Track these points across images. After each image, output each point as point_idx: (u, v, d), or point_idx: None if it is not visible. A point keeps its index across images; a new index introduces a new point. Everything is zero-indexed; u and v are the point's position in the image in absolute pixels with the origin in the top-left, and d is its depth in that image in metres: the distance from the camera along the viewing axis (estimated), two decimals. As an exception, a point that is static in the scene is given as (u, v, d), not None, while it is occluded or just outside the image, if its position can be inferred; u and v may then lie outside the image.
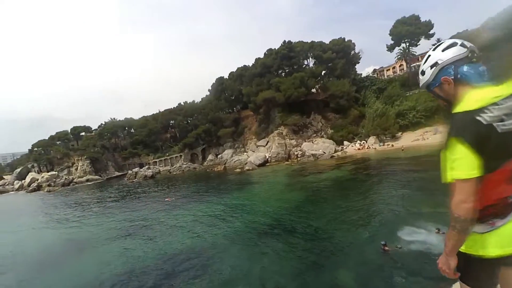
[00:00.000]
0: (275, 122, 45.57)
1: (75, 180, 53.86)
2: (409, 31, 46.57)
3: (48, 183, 51.15)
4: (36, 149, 67.20)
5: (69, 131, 71.19)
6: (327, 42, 50.21)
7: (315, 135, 44.25)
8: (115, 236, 15.18)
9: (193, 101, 64.32)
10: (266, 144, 44.40)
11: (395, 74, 56.70)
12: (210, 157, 53.20)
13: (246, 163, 39.83)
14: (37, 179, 53.13)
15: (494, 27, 33.92)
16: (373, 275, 8.10)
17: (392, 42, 49.78)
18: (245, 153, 46.82)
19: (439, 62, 1.39)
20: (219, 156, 51.31)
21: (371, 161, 29.14)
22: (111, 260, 11.64)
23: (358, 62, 52.76)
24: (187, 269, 9.87)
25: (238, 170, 38.61)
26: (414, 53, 51.87)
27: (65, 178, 54.00)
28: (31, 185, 51.39)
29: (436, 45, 1.45)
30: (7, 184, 58.61)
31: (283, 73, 51.13)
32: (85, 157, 57.83)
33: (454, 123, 1.24)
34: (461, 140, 1.19)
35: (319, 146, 38.94)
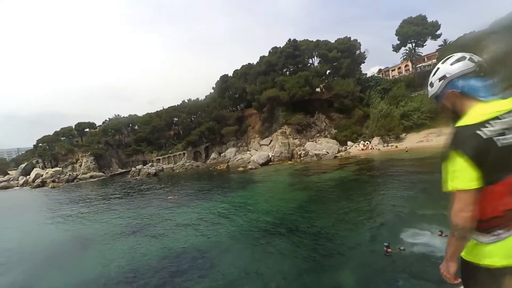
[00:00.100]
0: (279, 121, 45.50)
1: (79, 177, 54.32)
2: (416, 32, 46.08)
3: (52, 179, 51.59)
4: (40, 144, 67.91)
5: (74, 127, 71.85)
6: (332, 41, 49.95)
7: (318, 134, 44.12)
8: (119, 233, 15.28)
9: (197, 98, 64.39)
10: (270, 143, 44.37)
11: (400, 75, 56.33)
12: (213, 155, 53.33)
13: (249, 162, 39.85)
14: (42, 175, 53.63)
15: (501, 29, 33.55)
16: (376, 277, 8.06)
17: (398, 42, 49.27)
18: (248, 152, 46.84)
19: (447, 75, 1.42)
20: (222, 155, 51.39)
21: (375, 162, 29.00)
22: (115, 257, 11.73)
23: (364, 62, 52.44)
24: (191, 267, 9.91)
25: (241, 168, 38.65)
26: (420, 53, 51.40)
27: (69, 174, 54.48)
28: (36, 181, 51.89)
29: (445, 58, 1.47)
30: (12, 180, 59.26)
31: (287, 72, 50.97)
32: (89, 153, 58.31)
33: (455, 136, 1.28)
34: (460, 153, 1.23)
35: (322, 146, 38.81)
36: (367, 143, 38.15)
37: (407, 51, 50.57)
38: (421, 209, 12.18)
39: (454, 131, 1.29)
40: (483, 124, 1.23)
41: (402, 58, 53.62)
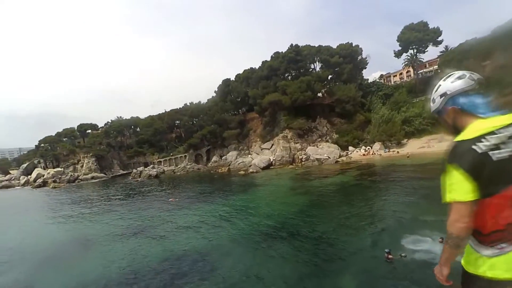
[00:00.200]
0: (280, 125, 45.62)
1: (80, 177, 54.47)
2: (417, 38, 46.38)
3: (53, 179, 51.75)
4: (42, 145, 68.23)
5: (76, 128, 72.16)
6: (334, 46, 50.36)
7: (320, 139, 44.17)
8: (120, 234, 15.31)
9: (199, 102, 64.81)
10: (271, 147, 44.44)
11: (402, 80, 56.57)
12: (214, 158, 53.43)
13: (250, 165, 39.90)
14: (43, 175, 53.83)
15: (502, 36, 33.72)
16: (377, 283, 8.07)
17: (400, 48, 49.59)
18: (249, 156, 46.91)
19: (448, 92, 1.50)
20: (223, 158, 51.49)
21: (376, 167, 29.00)
22: (116, 258, 11.76)
23: (365, 67, 52.84)
24: (191, 270, 9.93)
25: (242, 172, 38.67)
26: (422, 59, 51.68)
27: (71, 175, 54.63)
28: (37, 181, 52.07)
29: (446, 76, 1.54)
30: (13, 179, 59.47)
31: (289, 77, 51.23)
32: (90, 154, 58.49)
33: (452, 150, 1.35)
34: (457, 166, 1.29)
35: (323, 151, 38.84)
36: (369, 148, 38.18)
37: (408, 57, 50.84)
38: (423, 215, 12.18)
39: (451, 145, 1.37)
40: (478, 139, 1.29)
41: (403, 64, 53.88)
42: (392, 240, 10.25)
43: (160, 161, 59.35)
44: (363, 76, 53.51)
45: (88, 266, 11.38)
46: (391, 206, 14.66)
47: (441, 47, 49.41)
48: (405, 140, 37.14)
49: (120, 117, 72.87)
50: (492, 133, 1.29)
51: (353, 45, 50.17)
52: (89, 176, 54.78)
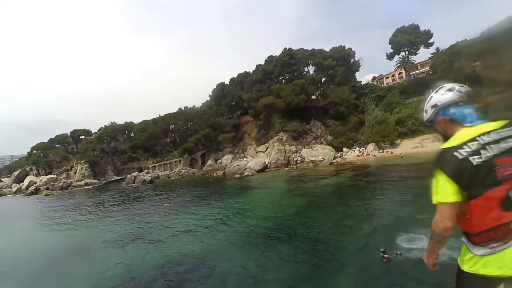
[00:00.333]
0: (275, 128, 45.76)
1: (73, 184, 53.76)
2: (409, 40, 47.17)
3: (46, 186, 50.96)
4: (35, 151, 67.31)
5: (69, 134, 71.45)
6: (327, 49, 50.86)
7: (314, 141, 44.40)
8: (115, 241, 15.13)
9: (194, 106, 64.72)
10: (266, 150, 44.50)
11: (394, 82, 57.33)
12: (209, 162, 53.27)
13: (246, 168, 39.85)
14: (35, 182, 52.99)
15: (491, 37, 34.50)
16: (373, 283, 8.09)
17: (392, 50, 50.35)
18: (244, 159, 46.87)
19: (438, 104, 1.61)
20: (218, 161, 51.35)
21: (371, 167, 29.23)
22: (112, 266, 11.58)
23: (358, 70, 53.30)
24: (190, 275, 9.85)
25: (237, 175, 38.60)
26: (413, 61, 52.52)
27: (64, 182, 53.89)
28: (29, 188, 51.20)
29: (437, 88, 1.65)
30: (5, 187, 58.36)
31: (283, 80, 51.56)
32: (84, 160, 57.80)
33: (438, 157, 1.45)
34: (440, 171, 1.40)
35: (318, 153, 39.04)
36: (363, 149, 38.47)
37: (400, 59, 51.62)
38: (417, 214, 12.28)
39: (438, 152, 1.47)
40: (461, 146, 1.39)
41: (395, 66, 54.68)
42: (387, 239, 10.31)
43: (155, 166, 58.95)
44: (356, 79, 54.07)
45: (83, 274, 11.20)
46: (386, 206, 14.78)
47: (432, 49, 50.38)
48: (399, 140, 37.55)
49: (114, 122, 72.35)
50: (473, 139, 1.39)
51: (346, 48, 50.76)
52: (83, 182, 54.08)
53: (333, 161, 36.59)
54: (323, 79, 50.77)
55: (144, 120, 71.00)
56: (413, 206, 13.65)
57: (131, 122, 71.41)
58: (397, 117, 38.53)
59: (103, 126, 72.59)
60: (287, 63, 49.66)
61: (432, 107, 1.65)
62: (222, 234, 13.83)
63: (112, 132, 68.17)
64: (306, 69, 53.01)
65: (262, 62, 53.57)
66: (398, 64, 53.30)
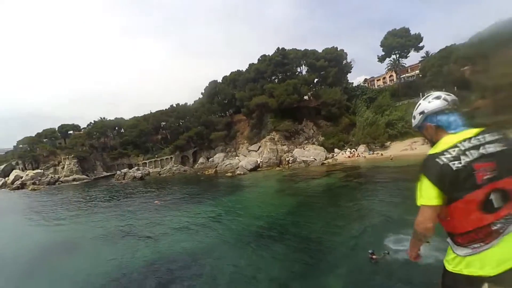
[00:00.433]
0: (268, 127, 45.86)
1: (61, 179, 52.67)
2: (400, 43, 47.97)
3: (32, 181, 49.84)
4: (21, 146, 65.49)
5: (57, 129, 69.79)
6: (320, 50, 51.15)
7: (306, 141, 44.71)
8: (104, 238, 14.97)
9: (186, 103, 64.08)
10: (258, 149, 44.57)
11: (385, 84, 58.09)
12: (201, 160, 53.01)
13: (238, 167, 39.85)
14: (21, 177, 51.75)
15: (480, 42, 35.36)
16: (362, 283, 8.28)
17: (383, 53, 51.12)
18: (236, 157, 46.84)
19: (425, 111, 1.71)
20: (210, 160, 51.15)
21: (361, 169, 29.67)
22: (100, 262, 11.48)
23: (350, 72, 53.81)
24: (180, 273, 9.85)
25: (229, 174, 38.58)
26: (404, 64, 53.43)
27: (51, 177, 52.78)
28: (15, 183, 49.99)
29: (425, 96, 1.76)
30: (-11, 182, 56.71)
31: (276, 79, 51.67)
32: (72, 156, 56.63)
33: (423, 163, 1.55)
34: (424, 177, 1.50)
35: (310, 153, 39.35)
36: (354, 151, 38.94)
37: (391, 62, 52.47)
38: (406, 215, 12.55)
39: (423, 158, 1.57)
40: (442, 152, 1.49)
41: (386, 69, 55.56)
42: (376, 239, 10.54)
43: (145, 163, 58.28)
44: (348, 80, 54.63)
45: (72, 270, 11.07)
46: (375, 207, 15.08)
47: (422, 53, 51.43)
48: (389, 142, 38.14)
49: (104, 118, 71.09)
50: (455, 146, 1.49)
51: (338, 49, 51.17)
52: (71, 178, 53.04)
53: (324, 161, 36.97)
54: (316, 79, 51.14)
55: (135, 117, 70.02)
56: (402, 207, 13.96)
57: (122, 118, 70.30)
58: (387, 119, 39.14)
59: (93, 122, 71.30)
60: (280, 62, 49.80)
61: (420, 113, 1.74)
62: (214, 232, 13.87)
63: (102, 128, 66.99)
64: (298, 69, 53.29)
65: (255, 61, 53.68)
66: (389, 67, 54.16)
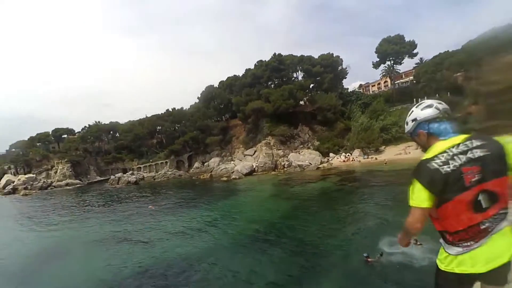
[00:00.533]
0: (263, 132, 45.95)
1: (53, 184, 51.99)
2: (394, 50, 48.65)
3: (24, 186, 49.03)
4: (13, 149, 64.65)
5: (51, 132, 69.03)
6: (316, 56, 51.63)
7: (302, 146, 44.84)
8: (97, 243, 14.79)
9: (182, 108, 63.88)
10: (254, 154, 44.55)
11: (380, 90, 58.68)
12: (196, 164, 52.75)
13: (233, 171, 39.75)
14: (13, 182, 50.87)
15: (473, 49, 36.07)
16: (357, 286, 8.29)
17: (378, 59, 51.75)
18: (232, 162, 46.73)
19: (418, 118, 1.77)
20: (205, 164, 50.95)
21: (356, 173, 29.81)
22: (94, 268, 11.31)
23: (345, 77, 54.29)
24: (175, 278, 9.77)
25: (224, 178, 38.46)
26: (398, 70, 54.12)
27: (43, 182, 52.05)
28: (6, 188, 49.15)
29: (418, 104, 1.83)
30: (-20, 186, 55.65)
31: (272, 85, 51.94)
32: (65, 160, 56.00)
33: (416, 167, 1.62)
34: (416, 181, 1.57)
35: (305, 157, 39.46)
36: (348, 155, 39.17)
37: (386, 68, 53.11)
38: (400, 218, 12.61)
39: (417, 164, 1.65)
40: (433, 158, 1.56)
41: (381, 75, 56.23)
42: (371, 243, 10.58)
43: (140, 167, 57.82)
44: (343, 86, 55.13)
45: (64, 277, 10.88)
46: (370, 210, 15.15)
47: (416, 59, 52.23)
48: (383, 147, 38.45)
49: (98, 122, 70.45)
50: (444, 151, 1.56)
51: (334, 55, 51.71)
52: (63, 182, 52.35)
53: (319, 166, 37.12)
54: (311, 85, 51.51)
55: (130, 121, 69.63)
56: (396, 211, 14.03)
57: (117, 122, 69.76)
58: (382, 124, 39.50)
59: (87, 126, 70.61)
60: (277, 68, 50.13)
61: (413, 120, 1.80)
62: (209, 237, 13.78)
63: (97, 132, 66.41)
64: (294, 75, 53.66)
65: (252, 66, 53.99)
66: (384, 73, 54.83)
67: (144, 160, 59.59)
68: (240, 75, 55.84)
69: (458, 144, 1.56)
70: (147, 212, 21.43)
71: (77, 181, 54.13)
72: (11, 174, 56.87)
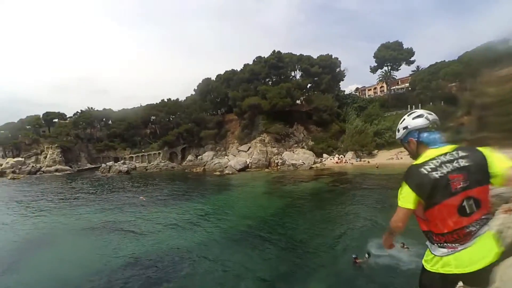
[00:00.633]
0: (259, 128, 46.04)
1: (42, 169, 51.24)
2: (392, 56, 49.21)
3: (12, 169, 48.13)
4: (2, 131, 63.16)
5: (41, 116, 67.66)
6: (314, 56, 51.87)
7: (296, 145, 45.14)
8: (85, 233, 14.56)
9: (177, 99, 63.38)
10: (248, 150, 44.64)
11: (376, 95, 59.29)
12: (189, 157, 52.62)
13: (227, 166, 39.81)
14: (1, 165, 49.85)
15: (468, 61, 36.75)
16: (345, 286, 8.50)
17: (376, 64, 52.32)
18: (226, 157, 46.76)
19: (409, 127, 1.90)
20: (199, 157, 50.88)
21: (348, 175, 30.20)
22: (82, 258, 11.19)
23: (343, 80, 54.86)
24: (162, 272, 9.78)
25: (217, 173, 38.50)
26: (395, 77, 54.80)
27: (32, 166, 51.25)
28: (-7, 171, 48.13)
29: (410, 113, 1.97)
30: (-34, 167, 54.34)
31: (270, 82, 52.01)
32: (56, 145, 55.18)
33: (407, 172, 1.75)
34: (406, 184, 1.71)
35: (299, 156, 39.79)
36: (342, 157, 39.63)
37: (383, 73, 53.74)
38: (388, 221, 12.91)
39: (408, 168, 1.78)
40: (424, 164, 1.70)
41: (378, 79, 56.85)
42: (359, 244, 10.82)
43: (132, 157, 57.37)
44: (340, 88, 55.70)
45: (52, 265, 10.75)
46: (360, 212, 15.43)
47: (413, 67, 52.96)
48: (376, 151, 39.06)
49: (91, 108, 69.37)
50: (434, 159, 1.70)
51: (333, 57, 52.05)
52: (53, 168, 51.59)
53: (313, 166, 37.50)
54: (309, 85, 51.79)
55: (124, 109, 68.85)
56: (385, 214, 14.30)
57: (110, 110, 68.79)
58: (376, 129, 40.11)
59: (80, 111, 69.40)
60: (275, 65, 50.15)
61: (404, 128, 1.92)
62: (201, 230, 13.83)
63: (89, 118, 65.42)
64: (293, 74, 53.81)
65: (250, 62, 53.90)
66: (381, 78, 55.46)
67: (136, 150, 59.13)
68: (238, 70, 55.62)
69: (446, 153, 1.70)
70: (139, 202, 21.34)
71: (67, 167, 53.41)
72: (-1, 156, 55.72)
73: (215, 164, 43.60)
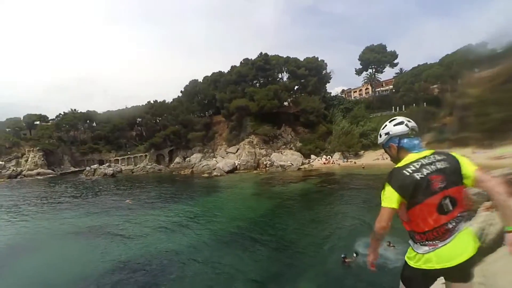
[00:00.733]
0: (247, 130, 46.07)
1: (24, 173, 49.50)
2: (376, 59, 50.37)
3: (-9, 173, 46.26)
4: (-20, 134, 60.47)
5: (22, 118, 65.24)
6: (301, 59, 52.31)
7: (284, 146, 45.43)
8: (70, 237, 14.22)
9: (164, 100, 62.48)
10: (236, 151, 44.58)
11: (361, 96, 60.53)
12: (177, 159, 51.98)
13: (215, 168, 39.62)
14: (-21, 168, 47.84)
15: (449, 63, 38.12)
16: (334, 285, 8.65)
17: (361, 67, 53.40)
18: (214, 159, 46.49)
19: (390, 132, 2.04)
20: (187, 160, 50.32)
21: (335, 175, 30.67)
22: (68, 264, 10.93)
23: (329, 82, 55.52)
24: (151, 275, 9.66)
25: (206, 175, 38.26)
26: (379, 79, 56.12)
27: (13, 170, 49.48)
28: (-29, 175, 46.11)
29: (391, 119, 2.10)
30: None
31: (257, 84, 52.13)
32: (37, 148, 53.37)
33: (390, 174, 1.87)
34: (389, 185, 1.82)
35: (287, 158, 40.05)
36: (329, 158, 40.19)
37: (368, 76, 54.92)
38: (374, 221, 13.24)
39: (390, 170, 1.90)
40: (405, 166, 1.83)
41: (363, 81, 58.10)
42: (347, 244, 11.03)
43: (118, 160, 56.19)
44: (326, 90, 56.47)
45: (36, 271, 10.44)
46: (347, 212, 15.72)
47: (396, 69, 54.45)
48: (362, 151, 39.77)
49: (75, 110, 67.39)
50: (416, 161, 1.84)
51: (319, 59, 52.67)
52: (35, 172, 49.87)
53: (301, 167, 37.83)
54: (296, 87, 52.23)
55: (108, 111, 67.29)
56: (372, 213, 14.59)
57: (94, 111, 67.06)
58: (362, 130, 40.87)
59: (62, 113, 67.36)
60: (262, 67, 50.33)
61: (386, 134, 2.05)
62: (190, 233, 13.72)
63: (72, 120, 63.52)
64: (280, 76, 54.15)
65: (237, 64, 53.88)
66: (365, 80, 56.68)
67: (122, 152, 57.96)
68: (225, 72, 55.50)
69: (425, 157, 1.85)
70: (125, 206, 20.96)
71: (50, 170, 51.76)
72: (-24, 160, 53.32)
73: (203, 166, 43.28)
